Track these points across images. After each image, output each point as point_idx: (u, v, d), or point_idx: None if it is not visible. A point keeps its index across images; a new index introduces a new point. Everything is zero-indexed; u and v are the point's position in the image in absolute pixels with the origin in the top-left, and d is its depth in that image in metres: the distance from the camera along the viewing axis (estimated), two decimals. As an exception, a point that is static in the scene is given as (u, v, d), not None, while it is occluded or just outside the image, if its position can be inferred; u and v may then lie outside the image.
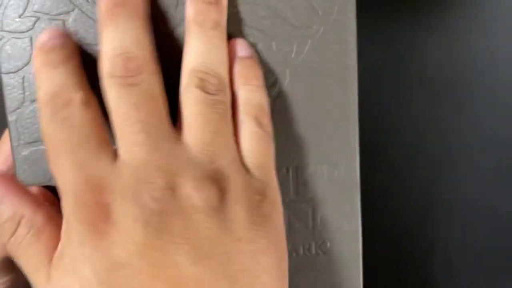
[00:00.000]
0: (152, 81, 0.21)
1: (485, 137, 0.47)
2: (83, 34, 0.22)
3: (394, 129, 0.47)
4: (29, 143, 0.23)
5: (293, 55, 0.23)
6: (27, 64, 0.22)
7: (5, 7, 0.22)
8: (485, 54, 0.55)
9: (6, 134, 0.25)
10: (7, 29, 0.22)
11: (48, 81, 0.21)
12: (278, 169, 0.23)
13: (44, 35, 0.21)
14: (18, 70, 0.22)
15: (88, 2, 0.22)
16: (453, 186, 0.45)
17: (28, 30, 0.22)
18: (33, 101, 0.22)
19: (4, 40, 0.22)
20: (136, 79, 0.20)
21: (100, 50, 0.21)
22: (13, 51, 0.22)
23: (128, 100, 0.20)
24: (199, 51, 0.21)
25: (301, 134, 0.23)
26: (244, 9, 0.22)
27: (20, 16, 0.22)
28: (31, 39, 0.22)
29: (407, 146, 0.46)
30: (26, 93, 0.22)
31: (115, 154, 0.20)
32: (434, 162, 0.45)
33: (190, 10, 0.22)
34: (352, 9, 0.23)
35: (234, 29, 0.22)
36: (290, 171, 0.24)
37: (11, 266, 0.24)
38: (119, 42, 0.20)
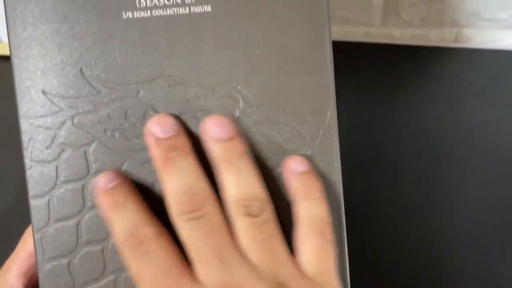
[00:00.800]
0: (215, 209, 0.23)
1: (479, 210, 0.47)
2: (102, 162, 0.25)
3: (386, 209, 0.48)
4: (52, 258, 0.25)
5: None
6: (52, 189, 0.25)
7: (34, 140, 0.24)
8: (475, 123, 0.56)
9: (28, 232, 0.28)
10: (36, 159, 0.24)
11: (120, 222, 0.23)
12: None
13: (102, 180, 0.24)
14: (44, 195, 0.25)
15: (106, 133, 0.24)
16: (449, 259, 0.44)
17: (54, 160, 0.24)
18: (57, 221, 0.25)
19: (32, 169, 0.24)
20: (202, 212, 0.23)
21: (163, 191, 0.23)
22: (40, 178, 0.25)
23: (198, 232, 0.22)
24: (235, 183, 0.23)
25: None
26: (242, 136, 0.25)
27: (47, 148, 0.24)
28: (56, 168, 0.24)
29: (400, 224, 0.47)
30: (51, 214, 0.25)
31: (193, 277, 0.22)
32: (427, 239, 0.46)
33: (215, 151, 0.24)
34: (335, 134, 0.25)
35: None
36: None
37: None
38: (181, 182, 0.23)
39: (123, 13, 0.24)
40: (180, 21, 0.24)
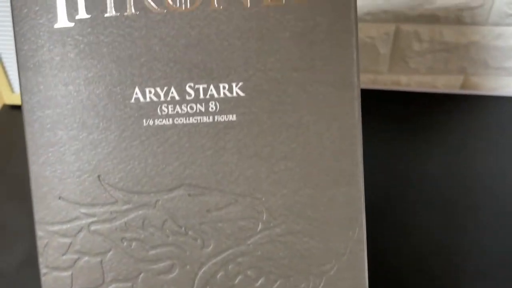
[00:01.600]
0: None
1: (489, 259, 0.45)
2: (117, 271, 0.23)
3: (398, 253, 0.46)
4: None
5: None
6: None
7: (50, 247, 0.23)
8: (481, 170, 0.55)
9: None
10: (51, 265, 0.23)
11: None
12: None
13: None
14: None
15: (123, 242, 0.23)
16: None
17: (69, 268, 0.23)
18: None
19: (47, 275, 0.23)
20: None
21: None
22: (55, 285, 0.23)
23: None
24: None
25: None
26: (265, 249, 0.23)
27: (63, 255, 0.23)
28: (71, 275, 0.23)
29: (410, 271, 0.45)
30: None
31: None
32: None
33: None
34: (364, 248, 0.23)
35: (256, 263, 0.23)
36: None
37: None
38: None
39: (144, 120, 0.22)
40: (203, 129, 0.22)
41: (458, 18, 0.60)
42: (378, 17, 0.61)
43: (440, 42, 0.62)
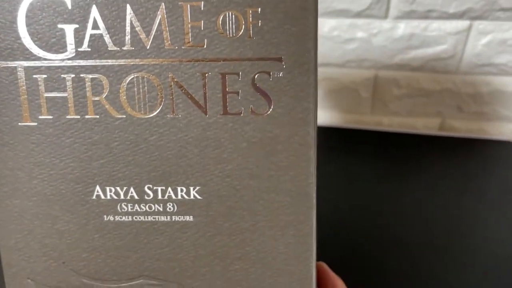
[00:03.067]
0: None
1: None
2: None
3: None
4: None
5: None
6: None
7: None
8: (455, 210, 0.55)
9: None
10: None
11: None
12: None
13: None
14: None
15: None
16: None
17: None
18: None
19: None
20: None
21: None
22: None
23: None
24: None
25: None
26: None
27: None
28: None
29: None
30: None
31: None
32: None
33: None
34: None
35: None
36: None
37: None
38: None
39: (104, 216, 0.22)
40: (161, 228, 0.22)
41: (432, 67, 0.60)
42: (359, 64, 0.61)
43: (417, 88, 0.62)
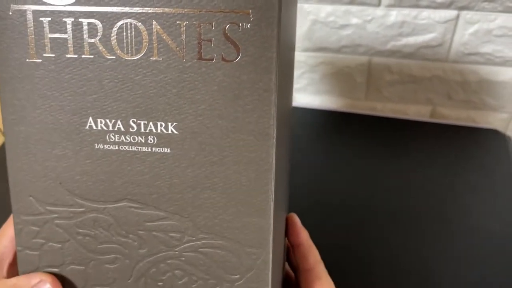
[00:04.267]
0: None
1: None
2: (74, 257, 0.27)
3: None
4: None
5: None
6: (35, 270, 0.27)
7: (23, 231, 0.27)
8: (440, 191, 0.56)
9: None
10: (24, 245, 0.27)
11: None
12: None
13: None
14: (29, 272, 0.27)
15: (78, 236, 0.27)
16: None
17: (37, 249, 0.27)
18: None
19: (21, 252, 0.27)
20: None
21: None
22: (26, 259, 0.27)
23: None
24: None
25: None
26: (189, 256, 0.26)
27: (32, 239, 0.27)
28: (39, 255, 0.27)
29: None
30: None
31: None
32: None
33: None
34: (268, 268, 0.26)
35: (181, 266, 0.27)
36: None
37: None
38: None
39: (95, 144, 0.25)
40: (142, 157, 0.25)
41: (422, 54, 0.62)
42: (354, 50, 0.64)
43: (408, 74, 0.64)
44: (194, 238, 0.26)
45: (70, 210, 0.26)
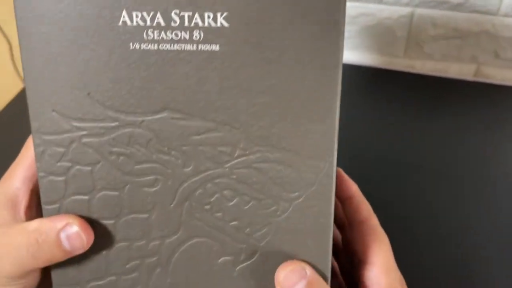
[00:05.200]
0: None
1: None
2: (106, 181, 0.23)
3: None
4: None
5: (278, 213, 0.23)
6: (61, 198, 0.23)
7: (45, 154, 0.22)
8: (484, 153, 0.54)
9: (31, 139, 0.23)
10: (47, 170, 0.22)
11: None
12: None
13: None
14: (54, 203, 0.23)
15: (111, 156, 0.22)
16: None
17: (63, 174, 0.23)
18: None
19: (44, 179, 0.23)
20: None
21: None
22: (51, 187, 0.23)
23: None
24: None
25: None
26: (241, 173, 0.22)
27: (57, 162, 0.22)
28: (65, 181, 0.23)
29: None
30: None
31: None
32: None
33: None
34: (332, 182, 0.22)
35: (232, 185, 0.22)
36: None
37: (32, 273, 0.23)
38: None
39: (131, 44, 0.21)
40: (186, 57, 0.21)
41: (471, 6, 0.57)
42: (397, 1, 0.59)
43: (453, 28, 0.59)
44: (247, 152, 0.22)
45: (101, 125, 0.22)
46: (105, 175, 0.22)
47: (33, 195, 0.24)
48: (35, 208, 0.24)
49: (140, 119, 0.22)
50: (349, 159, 0.52)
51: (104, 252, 0.23)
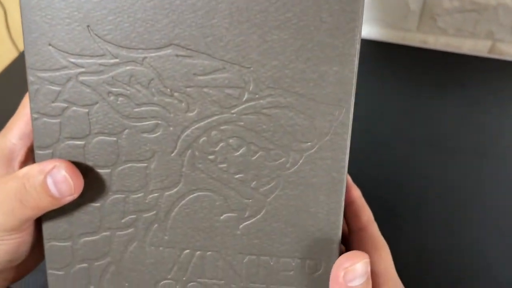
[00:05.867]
0: None
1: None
2: (103, 124, 0.21)
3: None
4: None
5: (288, 165, 0.21)
6: (55, 142, 0.21)
7: (40, 93, 0.21)
8: (496, 129, 0.52)
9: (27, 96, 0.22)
10: (41, 111, 0.21)
11: None
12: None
13: None
14: (47, 147, 0.21)
15: (109, 97, 0.20)
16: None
17: (58, 115, 0.21)
18: None
19: (38, 120, 0.21)
20: None
21: None
22: (44, 130, 0.21)
23: None
24: None
25: (288, 231, 0.22)
26: (249, 119, 0.20)
27: (52, 102, 0.21)
28: (60, 123, 0.21)
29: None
30: None
31: None
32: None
33: None
34: (347, 131, 0.20)
35: (239, 132, 0.20)
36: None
37: (26, 227, 0.22)
38: None
39: None
40: None
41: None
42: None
43: (470, 1, 0.57)
44: (257, 96, 0.19)
45: (100, 62, 0.20)
46: (102, 117, 0.21)
47: (29, 152, 0.22)
48: (31, 163, 0.22)
49: (142, 55, 0.20)
50: (360, 135, 0.51)
51: (98, 205, 0.21)
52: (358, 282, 0.20)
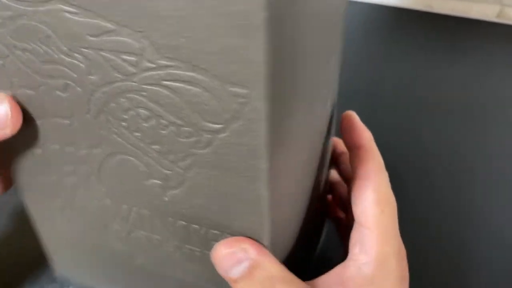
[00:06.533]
0: None
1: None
2: (20, 78, 0.20)
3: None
4: None
5: (201, 144, 0.19)
6: None
7: None
8: (501, 93, 0.50)
9: None
10: None
11: None
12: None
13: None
14: None
15: (17, 50, 0.19)
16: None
17: None
18: None
19: None
20: None
21: None
22: None
23: None
24: None
25: (214, 209, 0.21)
26: (152, 91, 0.18)
27: None
28: None
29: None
30: None
31: None
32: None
33: None
34: (262, 118, 0.17)
35: (145, 104, 0.19)
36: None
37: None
38: None
39: None
40: None
41: None
42: None
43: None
44: (154, 66, 0.17)
45: (0, 13, 0.19)
46: (16, 71, 0.20)
47: None
48: None
49: (31, 8, 0.18)
50: (366, 99, 0.49)
51: (39, 151, 0.23)
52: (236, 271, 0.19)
